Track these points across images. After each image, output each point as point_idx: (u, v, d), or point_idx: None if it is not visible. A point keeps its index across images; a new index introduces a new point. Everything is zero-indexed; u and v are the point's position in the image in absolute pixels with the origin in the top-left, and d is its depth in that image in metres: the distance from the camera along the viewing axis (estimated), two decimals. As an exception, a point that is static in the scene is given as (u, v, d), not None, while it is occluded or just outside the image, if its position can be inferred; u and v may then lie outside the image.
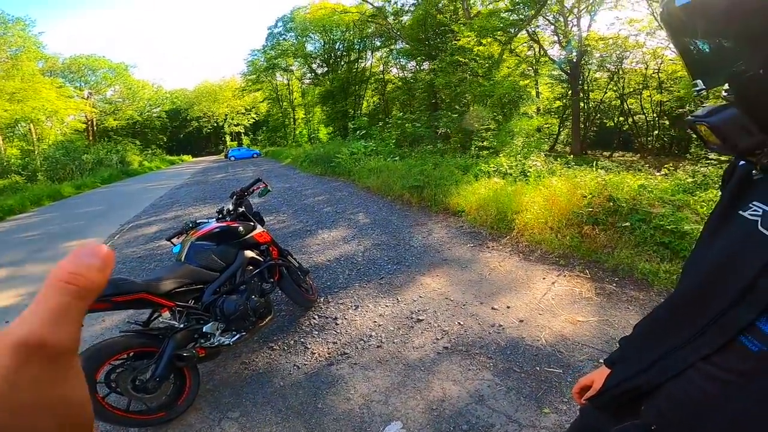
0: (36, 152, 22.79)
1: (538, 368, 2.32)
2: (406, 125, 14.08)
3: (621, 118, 21.94)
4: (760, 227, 0.54)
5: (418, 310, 3.13)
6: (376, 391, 2.24)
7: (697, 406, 0.58)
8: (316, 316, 3.17)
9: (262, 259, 2.76)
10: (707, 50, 0.49)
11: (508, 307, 3.07)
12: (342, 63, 30.95)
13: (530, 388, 2.14)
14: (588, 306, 3.02)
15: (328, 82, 29.96)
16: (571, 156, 11.57)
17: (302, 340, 2.85)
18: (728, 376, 0.55)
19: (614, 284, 3.36)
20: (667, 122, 19.73)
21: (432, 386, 2.23)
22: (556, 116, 21.93)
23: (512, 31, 14.91)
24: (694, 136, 0.54)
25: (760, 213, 0.55)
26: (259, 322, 2.52)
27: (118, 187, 16.79)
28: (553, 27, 18.51)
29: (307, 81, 36.13)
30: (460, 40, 12.51)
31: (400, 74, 27.05)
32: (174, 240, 2.60)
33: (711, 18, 0.46)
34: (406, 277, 3.83)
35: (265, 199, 8.58)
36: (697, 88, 0.53)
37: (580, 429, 0.88)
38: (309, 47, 31.99)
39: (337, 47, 30.71)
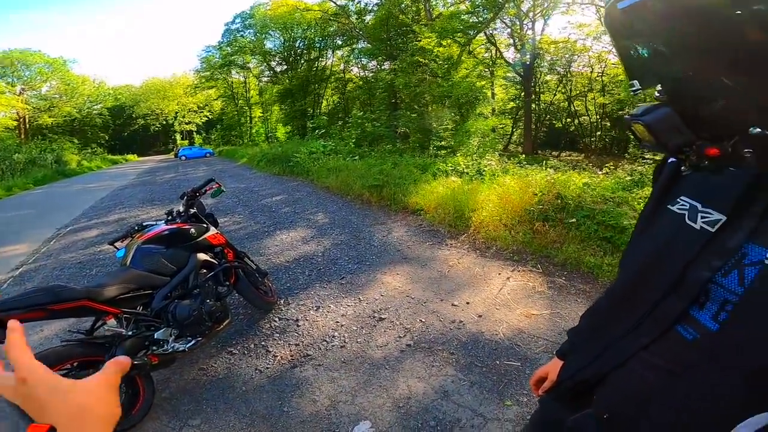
0: None
1: (498, 362, 2.40)
2: (366, 125, 14.11)
3: (568, 120, 23.25)
4: (687, 220, 0.57)
5: (381, 309, 3.14)
6: (342, 391, 2.23)
7: (641, 395, 0.60)
8: (277, 319, 3.10)
9: (216, 262, 2.66)
10: (643, 53, 0.52)
11: (468, 303, 3.15)
12: (302, 61, 30.31)
13: (492, 381, 2.21)
14: (541, 299, 3.18)
15: (287, 81, 29.25)
16: (523, 156, 12.06)
17: (263, 343, 2.77)
18: (667, 364, 0.57)
19: (564, 278, 3.55)
20: (608, 123, 21.17)
21: (398, 384, 2.25)
22: (510, 117, 22.87)
23: (471, 33, 15.38)
24: (632, 135, 0.57)
25: (687, 207, 0.58)
26: (215, 327, 2.43)
27: (54, 189, 15.43)
28: (509, 30, 19.24)
29: (265, 79, 35.10)
30: (421, 41, 12.70)
31: (361, 74, 26.99)
32: (117, 244, 2.45)
33: (646, 22, 0.49)
34: (367, 276, 3.83)
35: (219, 199, 8.27)
36: (633, 89, 0.56)
37: (541, 420, 0.91)
38: (268, 44, 31.10)
39: (297, 45, 30.00)
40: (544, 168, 5.79)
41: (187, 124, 49.27)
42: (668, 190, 0.64)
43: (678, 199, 0.60)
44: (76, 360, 1.85)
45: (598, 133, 22.05)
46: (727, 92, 0.44)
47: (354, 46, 24.91)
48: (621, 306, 0.66)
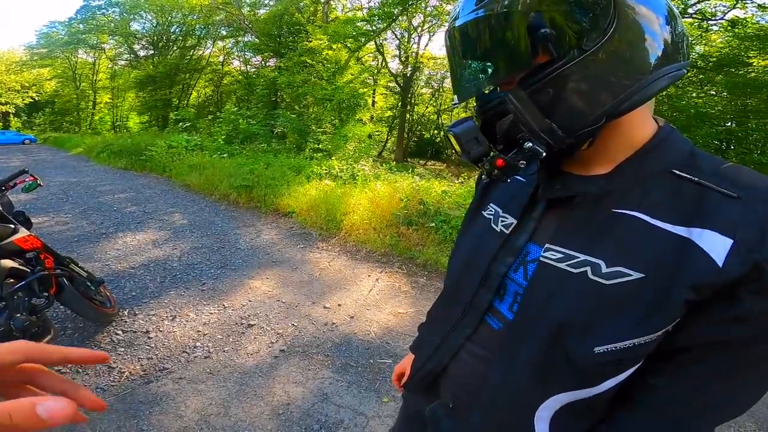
0: None
1: (371, 361, 2.47)
2: (240, 121, 13.03)
3: (435, 131, 25.54)
4: (492, 224, 0.67)
5: (249, 315, 2.95)
6: (212, 403, 2.02)
7: (471, 383, 0.65)
8: (120, 331, 2.63)
9: (29, 270, 2.15)
10: (464, 69, 0.59)
11: (339, 305, 3.19)
12: (174, 48, 26.37)
13: (368, 380, 2.27)
14: (406, 299, 3.41)
15: (151, 66, 24.96)
16: (395, 162, 12.80)
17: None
18: (484, 352, 0.64)
19: (425, 278, 3.89)
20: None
21: (274, 391, 2.13)
22: (386, 125, 23.97)
23: (363, 40, 15.60)
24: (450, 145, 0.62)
25: (493, 212, 0.68)
26: None
27: None
28: (398, 42, 20.14)
29: (122, 62, 29.70)
30: (312, 41, 12.44)
31: (242, 68, 24.88)
32: None
33: (468, 41, 0.55)
34: (232, 282, 3.55)
35: (38, 195, 6.64)
36: (454, 103, 0.65)
37: (405, 413, 0.96)
38: (135, 26, 26.25)
39: (172, 30, 25.92)
40: (411, 175, 6.24)
41: (3, 104, 38.79)
42: (483, 198, 0.74)
43: (488, 206, 0.70)
44: None
45: (458, 146, 24.82)
46: (513, 111, 0.50)
47: (240, 38, 22.89)
48: (449, 301, 0.73)
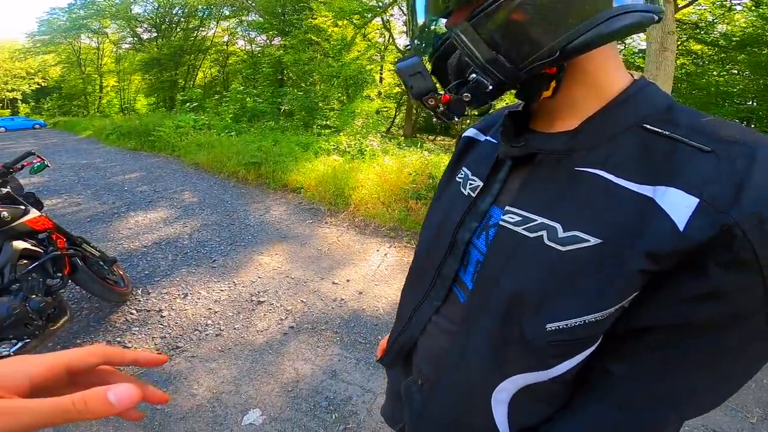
0: None
1: (380, 337, 2.49)
2: (247, 99, 13.01)
3: None
4: (461, 188, 0.63)
5: (259, 292, 2.98)
6: (224, 381, 2.06)
7: (436, 359, 0.62)
8: (134, 311, 2.69)
9: (41, 251, 2.18)
10: (415, 7, 0.55)
11: (348, 281, 3.20)
12: (178, 29, 26.04)
13: (377, 357, 2.28)
14: (416, 272, 3.40)
15: (155, 49, 24.88)
16: (403, 138, 12.66)
17: (118, 339, 2.39)
18: (450, 326, 0.60)
19: (435, 251, 3.86)
20: (476, 113, 23.64)
21: (284, 368, 2.17)
22: (394, 101, 23.65)
23: (368, 16, 15.17)
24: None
25: (464, 176, 0.64)
26: (50, 325, 2.02)
27: None
28: (405, 18, 19.55)
29: (126, 46, 29.45)
30: (317, 18, 12.16)
31: (247, 47, 24.58)
32: None
33: None
34: (242, 258, 3.59)
35: (50, 178, 6.74)
36: (407, 45, 0.65)
37: (390, 390, 0.94)
38: (136, 9, 25.92)
39: (175, 12, 25.57)
40: (420, 150, 6.15)
41: (10, 91, 39.79)
42: (457, 163, 0.70)
43: (461, 170, 0.66)
44: None
45: (468, 121, 24.47)
46: (458, 44, 0.48)
47: (243, 17, 22.46)
48: (420, 271, 0.69)
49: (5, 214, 2.03)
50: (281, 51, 15.67)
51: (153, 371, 2.13)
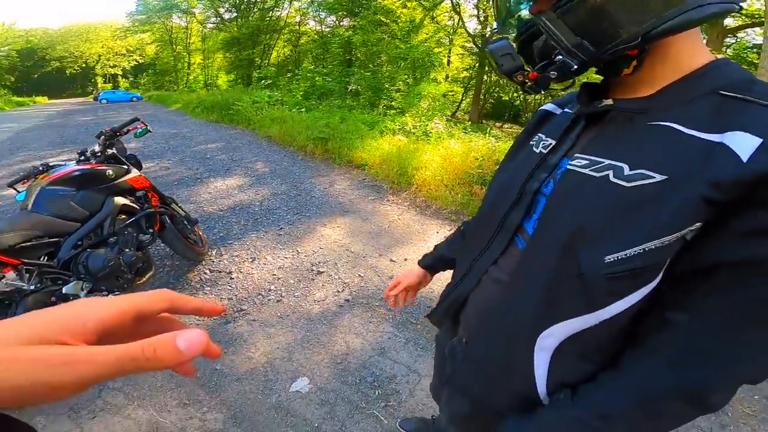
0: None
1: (433, 319, 2.47)
2: (317, 78, 13.44)
3: (515, 94, 23.92)
4: (534, 148, 0.67)
5: (319, 262, 3.09)
6: (279, 347, 2.18)
7: (485, 311, 0.66)
8: (207, 271, 2.93)
9: (138, 207, 2.40)
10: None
11: (406, 260, 3.20)
12: (255, 10, 27.80)
13: (426, 339, 2.27)
14: (475, 258, 3.31)
15: (235, 28, 26.83)
16: (469, 123, 12.29)
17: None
18: (504, 275, 0.64)
19: (497, 238, 3.72)
20: (560, 88, 22.38)
21: (335, 340, 2.24)
22: (461, 85, 23.00)
23: None
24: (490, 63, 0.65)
25: (538, 139, 0.68)
26: (137, 279, 2.24)
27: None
28: (476, 1, 18.79)
29: (211, 25, 32.15)
30: (385, 0, 12.18)
31: (318, 27, 25.43)
32: (18, 186, 2.11)
33: None
34: (306, 228, 3.73)
35: (145, 144, 7.49)
36: (494, 28, 0.71)
37: (437, 358, 0.97)
38: None
39: None
40: (487, 136, 5.91)
41: (112, 67, 45.76)
42: (532, 131, 0.74)
43: (536, 136, 0.71)
44: None
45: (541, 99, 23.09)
46: (544, 30, 0.52)
47: None
48: (480, 227, 0.73)
49: (110, 172, 2.25)
50: (350, 32, 15.95)
51: (217, 331, 2.30)
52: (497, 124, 21.56)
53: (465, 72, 23.30)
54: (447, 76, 17.35)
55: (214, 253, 3.21)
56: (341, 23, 20.91)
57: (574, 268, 0.50)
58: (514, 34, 0.61)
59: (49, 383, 0.22)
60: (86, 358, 0.23)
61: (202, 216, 3.93)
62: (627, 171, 0.48)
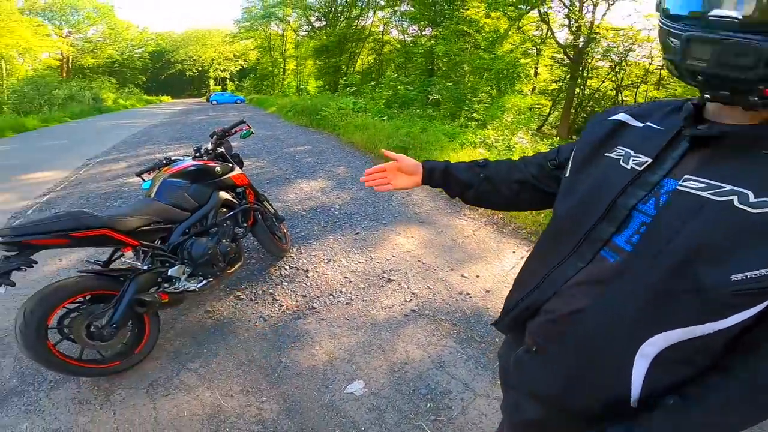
0: (3, 86, 22.41)
1: (497, 339, 2.37)
2: (399, 87, 13.76)
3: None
4: (621, 163, 0.67)
5: (390, 270, 3.14)
6: (342, 348, 2.26)
7: (567, 318, 0.66)
8: (287, 267, 3.15)
9: (237, 202, 2.67)
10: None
11: (477, 276, 3.12)
12: (341, 19, 29.85)
13: (488, 358, 2.20)
14: (554, 281, 3.10)
15: (324, 37, 28.91)
16: (557, 138, 11.59)
17: (271, 290, 2.83)
18: (591, 286, 0.64)
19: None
20: None
21: (396, 348, 2.26)
22: (550, 98, 21.87)
23: (524, 8, 14.41)
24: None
25: (623, 153, 0.69)
26: (228, 269, 2.47)
27: (89, 123, 16.03)
28: (566, 10, 17.88)
29: (303, 33, 35.25)
30: (468, 9, 12.10)
31: (400, 37, 26.12)
32: (144, 176, 2.47)
33: None
34: (381, 235, 3.83)
35: (246, 143, 8.35)
36: (664, 7, 0.60)
37: (503, 360, 0.89)
38: None
39: (338, 2, 29.61)
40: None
41: (221, 71, 52.30)
42: (606, 142, 0.74)
43: (615, 149, 0.71)
44: (89, 293, 1.86)
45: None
46: None
47: (396, 8, 23.93)
48: (559, 237, 0.73)
49: (218, 168, 2.54)
50: (432, 41, 15.99)
51: (287, 326, 2.45)
52: (589, 139, 20.02)
53: (554, 84, 22.06)
54: (534, 88, 16.54)
55: (294, 250, 3.44)
56: (423, 33, 21.13)
57: (690, 283, 0.52)
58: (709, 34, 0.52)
59: None
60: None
61: (288, 214, 4.24)
62: (752, 198, 0.50)
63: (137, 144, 9.32)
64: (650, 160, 0.63)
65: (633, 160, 0.66)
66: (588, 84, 21.36)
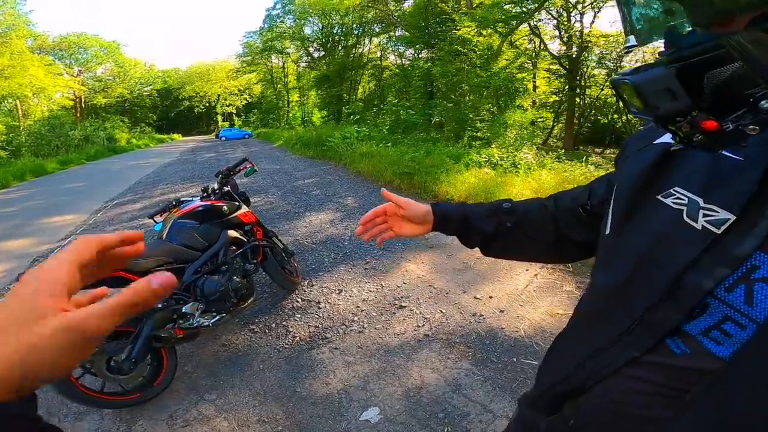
0: (21, 128, 22.95)
1: (515, 359, 2.35)
2: (401, 112, 14.00)
3: (615, 116, 22.00)
4: (685, 217, 0.46)
5: (402, 297, 3.14)
6: (356, 376, 2.26)
7: (616, 411, 0.53)
8: (299, 299, 3.17)
9: (245, 240, 2.73)
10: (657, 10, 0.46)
11: (491, 297, 3.09)
12: (339, 48, 30.81)
13: (506, 378, 2.17)
14: (569, 299, 3.06)
15: (324, 66, 29.94)
16: (563, 150, 11.62)
17: (284, 323, 2.85)
18: (662, 387, 0.49)
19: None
20: None
21: (411, 373, 2.25)
22: (551, 111, 22.05)
23: (514, 23, 14.79)
24: (619, 100, 0.48)
25: (686, 201, 0.47)
26: (240, 304, 2.51)
27: (105, 164, 16.70)
28: (555, 21, 18.35)
29: (303, 64, 36.31)
30: (460, 29, 12.42)
31: (398, 61, 26.89)
32: (156, 218, 2.56)
33: None
34: (391, 263, 3.84)
35: (254, 179, 8.53)
36: (628, 45, 0.49)
37: (521, 421, 0.81)
38: (307, 30, 32.06)
39: (335, 32, 30.57)
40: (584, 164, 5.53)
41: (227, 106, 53.33)
42: (656, 178, 0.54)
43: (672, 191, 0.50)
44: None
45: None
46: (745, 56, 0.35)
47: (391, 33, 24.85)
48: (605, 309, 0.57)
49: (225, 208, 2.62)
50: (429, 63, 16.28)
51: (301, 356, 2.46)
52: (596, 149, 19.92)
53: (554, 96, 22.27)
54: (534, 102, 16.69)
55: (306, 283, 3.47)
56: (420, 55, 21.60)
57: None
58: (662, 51, 0.45)
59: (72, 347, 0.26)
60: (91, 316, 0.27)
61: (298, 248, 4.29)
62: None
63: (151, 184, 9.64)
64: (733, 218, 0.42)
65: (704, 215, 0.45)
66: (587, 93, 21.53)
